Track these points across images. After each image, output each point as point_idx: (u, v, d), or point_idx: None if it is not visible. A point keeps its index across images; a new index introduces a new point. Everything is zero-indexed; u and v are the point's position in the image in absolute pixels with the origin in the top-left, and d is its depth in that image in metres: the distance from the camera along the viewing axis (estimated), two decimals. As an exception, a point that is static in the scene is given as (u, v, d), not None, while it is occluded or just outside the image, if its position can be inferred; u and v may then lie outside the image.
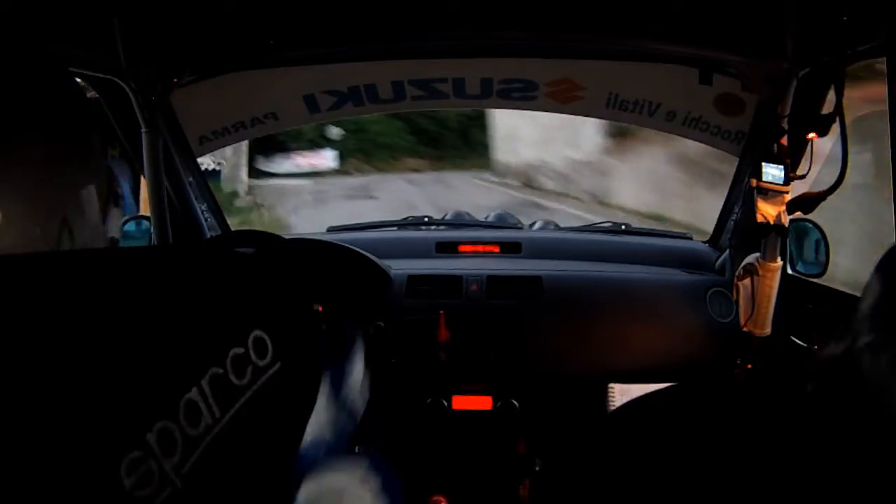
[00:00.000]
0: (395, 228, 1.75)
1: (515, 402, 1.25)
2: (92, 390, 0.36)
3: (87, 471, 0.34)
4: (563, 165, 9.74)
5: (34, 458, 0.32)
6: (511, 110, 1.56)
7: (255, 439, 0.44)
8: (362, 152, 13.28)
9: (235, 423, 0.42)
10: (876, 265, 0.38)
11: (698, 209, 5.52)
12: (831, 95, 1.01)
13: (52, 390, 0.34)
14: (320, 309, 0.91)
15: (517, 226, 1.75)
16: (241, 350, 0.44)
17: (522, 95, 1.49)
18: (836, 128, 0.98)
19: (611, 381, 1.24)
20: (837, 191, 0.98)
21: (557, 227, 1.74)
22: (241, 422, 0.42)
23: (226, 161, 8.52)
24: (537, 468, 1.24)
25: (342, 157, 13.06)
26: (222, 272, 0.50)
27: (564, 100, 1.49)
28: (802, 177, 1.11)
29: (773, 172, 1.07)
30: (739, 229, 1.35)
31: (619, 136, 8.04)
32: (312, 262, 1.05)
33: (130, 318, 0.40)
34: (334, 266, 1.12)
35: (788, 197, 1.07)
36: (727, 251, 1.39)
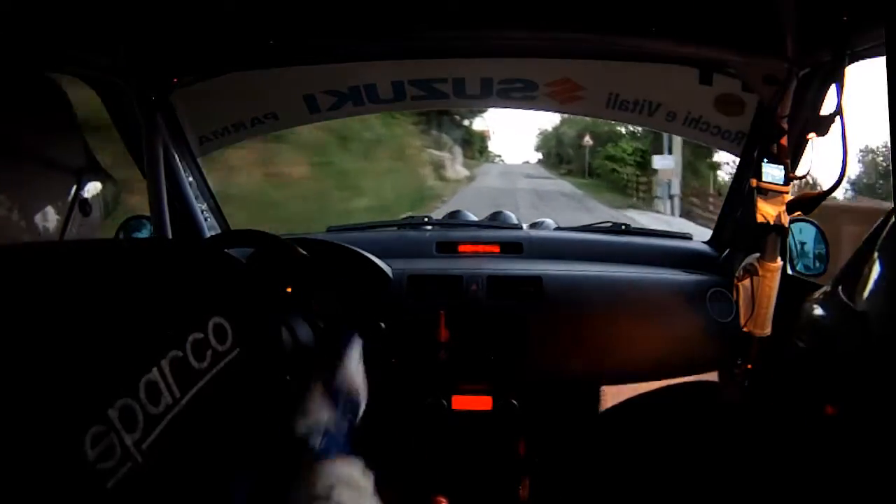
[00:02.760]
0: (395, 228, 1.75)
1: (515, 402, 1.24)
2: (55, 367, 0.38)
3: (51, 442, 0.36)
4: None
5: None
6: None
7: (217, 419, 0.47)
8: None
9: (196, 404, 0.44)
10: None
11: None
12: (831, 95, 1.01)
13: (18, 366, 0.36)
14: (289, 290, 0.93)
15: (517, 226, 1.75)
16: (201, 335, 0.46)
17: (522, 95, 1.49)
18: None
19: (607, 382, 1.24)
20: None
21: (558, 227, 1.74)
22: (201, 403, 0.45)
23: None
24: (537, 468, 1.24)
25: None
26: (184, 261, 0.52)
27: (564, 100, 1.49)
28: (803, 177, 1.11)
29: (773, 172, 1.07)
30: (739, 229, 1.35)
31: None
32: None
33: (92, 303, 0.42)
34: (334, 266, 1.12)
35: (788, 197, 1.07)
36: (727, 251, 1.39)
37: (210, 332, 0.47)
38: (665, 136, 11.09)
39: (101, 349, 0.40)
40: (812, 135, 1.03)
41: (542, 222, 1.80)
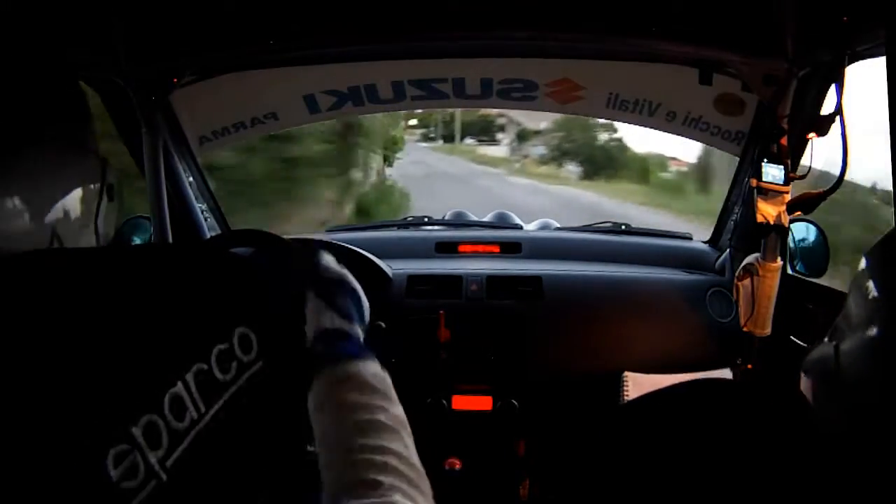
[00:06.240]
0: (395, 228, 1.75)
1: (515, 402, 1.24)
2: (77, 384, 0.37)
3: (74, 462, 0.34)
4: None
5: (20, 450, 0.33)
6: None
7: (241, 434, 0.45)
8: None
9: (221, 418, 0.43)
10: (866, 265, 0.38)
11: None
12: (831, 95, 1.01)
13: (39, 383, 0.35)
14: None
15: (517, 226, 1.75)
16: (226, 346, 0.45)
17: (522, 95, 1.49)
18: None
19: (607, 382, 1.24)
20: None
21: (557, 227, 1.74)
22: (226, 416, 0.43)
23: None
24: (537, 468, 1.24)
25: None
26: (206, 269, 0.51)
27: (564, 100, 1.49)
28: (803, 177, 1.11)
29: (773, 172, 1.07)
30: (739, 229, 1.35)
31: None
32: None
33: (114, 315, 0.41)
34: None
35: (788, 197, 1.07)
36: (727, 251, 1.39)
37: (235, 343, 0.45)
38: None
39: (125, 363, 0.39)
40: (812, 135, 1.03)
41: (543, 222, 1.80)
